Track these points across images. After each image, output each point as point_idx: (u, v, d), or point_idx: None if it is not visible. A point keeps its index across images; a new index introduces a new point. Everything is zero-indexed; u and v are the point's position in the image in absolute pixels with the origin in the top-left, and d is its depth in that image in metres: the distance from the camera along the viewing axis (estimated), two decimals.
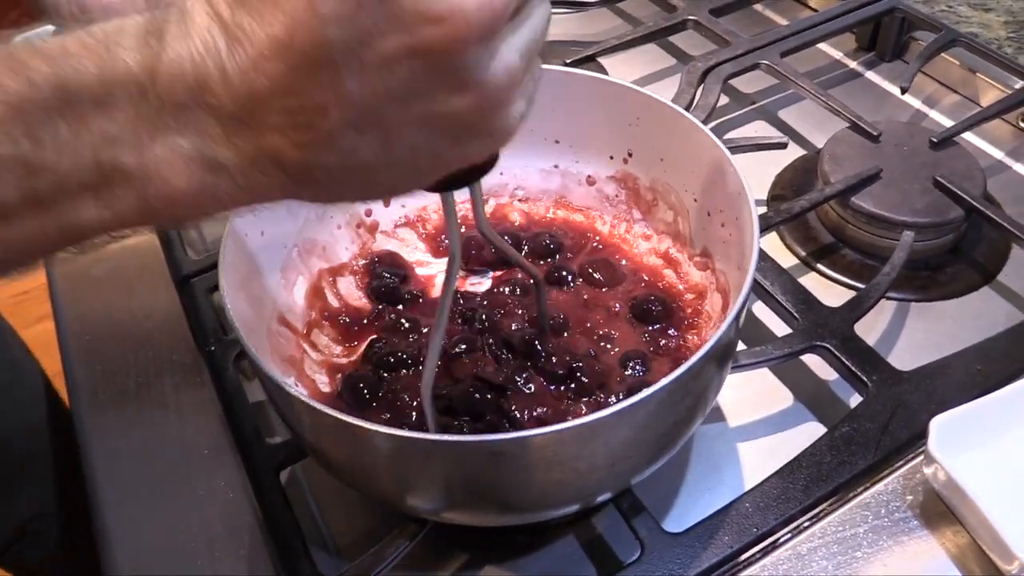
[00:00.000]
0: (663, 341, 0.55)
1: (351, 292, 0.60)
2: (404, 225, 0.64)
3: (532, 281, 0.53)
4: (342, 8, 0.27)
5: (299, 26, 0.27)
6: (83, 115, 0.29)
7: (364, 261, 0.62)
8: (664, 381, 0.40)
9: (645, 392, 0.40)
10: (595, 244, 0.63)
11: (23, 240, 0.31)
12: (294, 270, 0.58)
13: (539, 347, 0.52)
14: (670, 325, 0.56)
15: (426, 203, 0.65)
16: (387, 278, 0.60)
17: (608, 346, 0.55)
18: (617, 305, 0.57)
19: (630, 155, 0.61)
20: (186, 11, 0.29)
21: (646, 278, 0.59)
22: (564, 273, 0.59)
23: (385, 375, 0.53)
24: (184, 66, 0.29)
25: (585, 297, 0.58)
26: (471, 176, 0.38)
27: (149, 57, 0.29)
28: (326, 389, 0.54)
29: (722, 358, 0.47)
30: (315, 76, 0.28)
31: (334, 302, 0.59)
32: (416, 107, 0.29)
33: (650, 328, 0.56)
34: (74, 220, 0.31)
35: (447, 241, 0.44)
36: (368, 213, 0.63)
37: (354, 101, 0.29)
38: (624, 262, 0.61)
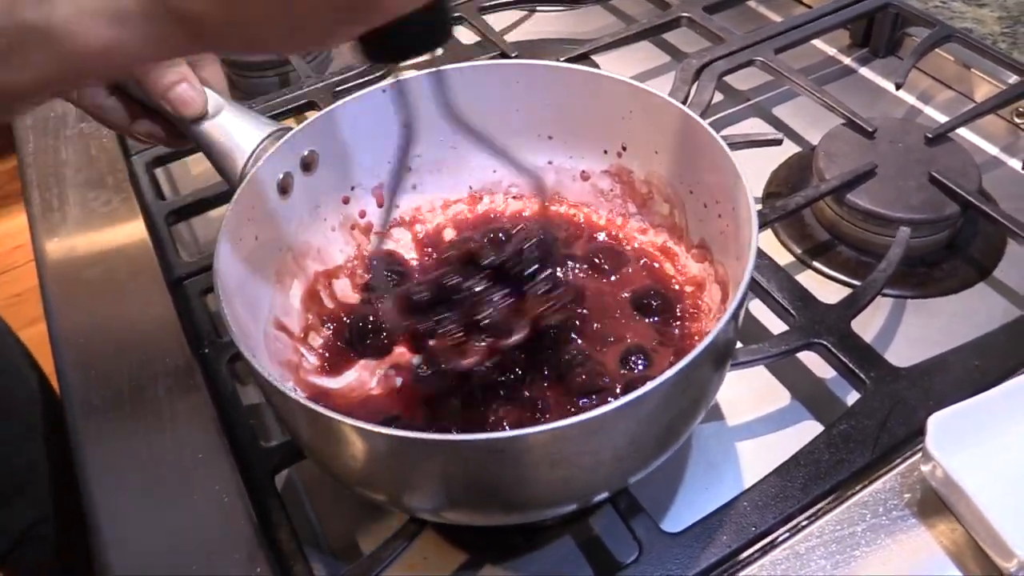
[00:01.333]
0: (666, 332, 0.55)
1: (347, 294, 0.60)
2: (398, 226, 0.64)
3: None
4: None
5: None
6: None
7: (366, 254, 0.62)
8: (667, 374, 0.40)
9: (648, 386, 0.39)
10: (593, 233, 0.63)
11: None
12: (289, 273, 0.57)
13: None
14: (671, 318, 0.56)
15: (420, 203, 0.65)
16: (386, 276, 0.59)
17: (612, 339, 0.54)
18: (625, 293, 0.57)
19: (624, 149, 0.61)
20: None
21: (651, 265, 0.59)
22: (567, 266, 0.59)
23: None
24: None
25: (589, 287, 0.58)
26: (408, 48, 0.38)
27: None
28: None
29: (723, 350, 0.47)
30: None
31: (330, 304, 0.59)
32: None
33: (651, 320, 0.55)
34: None
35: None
36: (362, 214, 0.63)
37: None
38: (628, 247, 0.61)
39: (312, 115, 0.58)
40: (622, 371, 0.52)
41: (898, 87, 0.81)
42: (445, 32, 0.38)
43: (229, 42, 0.33)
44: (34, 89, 0.32)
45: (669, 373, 0.40)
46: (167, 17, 0.31)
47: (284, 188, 0.56)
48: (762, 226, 0.67)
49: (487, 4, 0.96)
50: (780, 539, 0.48)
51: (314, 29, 0.33)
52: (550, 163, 0.64)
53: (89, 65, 0.32)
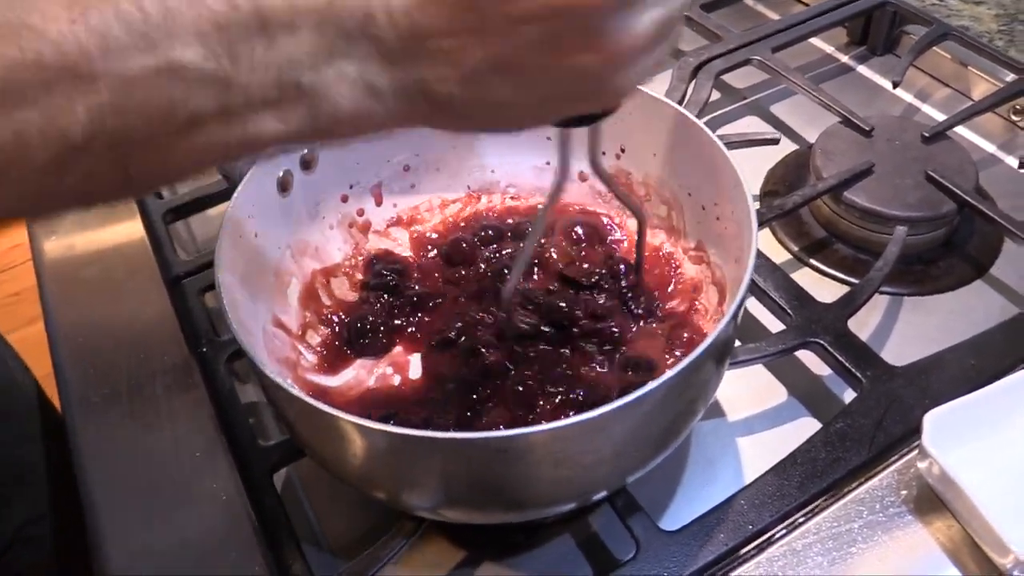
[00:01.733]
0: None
1: (344, 293, 0.60)
2: (396, 224, 0.64)
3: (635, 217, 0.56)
4: None
5: None
6: (274, 38, 0.32)
7: (362, 257, 0.62)
8: (667, 375, 0.40)
9: (648, 387, 0.40)
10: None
11: (209, 148, 0.35)
12: (288, 271, 0.57)
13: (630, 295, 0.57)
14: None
15: (418, 203, 0.65)
16: (386, 275, 0.59)
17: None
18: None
19: (623, 150, 0.61)
20: None
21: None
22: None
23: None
24: (356, 1, 0.32)
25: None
26: (591, 118, 0.42)
27: None
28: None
29: (723, 350, 0.47)
30: (464, 21, 0.32)
31: (328, 302, 0.59)
32: (548, 58, 0.33)
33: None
34: (254, 132, 0.34)
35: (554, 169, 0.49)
36: (360, 212, 0.63)
37: (493, 47, 0.32)
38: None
39: None
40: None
41: (895, 85, 0.81)
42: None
43: (470, 121, 0.37)
44: (286, 139, 0.35)
45: (669, 374, 0.40)
46: (417, 95, 0.34)
47: (284, 186, 0.56)
48: (760, 224, 0.66)
49: None
50: (777, 537, 0.48)
51: (551, 111, 0.38)
52: (548, 164, 0.64)
53: (338, 127, 0.35)
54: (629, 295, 0.57)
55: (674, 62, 0.83)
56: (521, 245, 0.60)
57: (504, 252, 0.61)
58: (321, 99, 0.34)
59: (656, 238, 0.61)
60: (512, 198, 0.65)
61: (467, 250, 0.61)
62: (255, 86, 0.33)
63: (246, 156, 0.37)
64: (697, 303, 0.56)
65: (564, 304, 0.56)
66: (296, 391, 0.41)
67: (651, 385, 0.40)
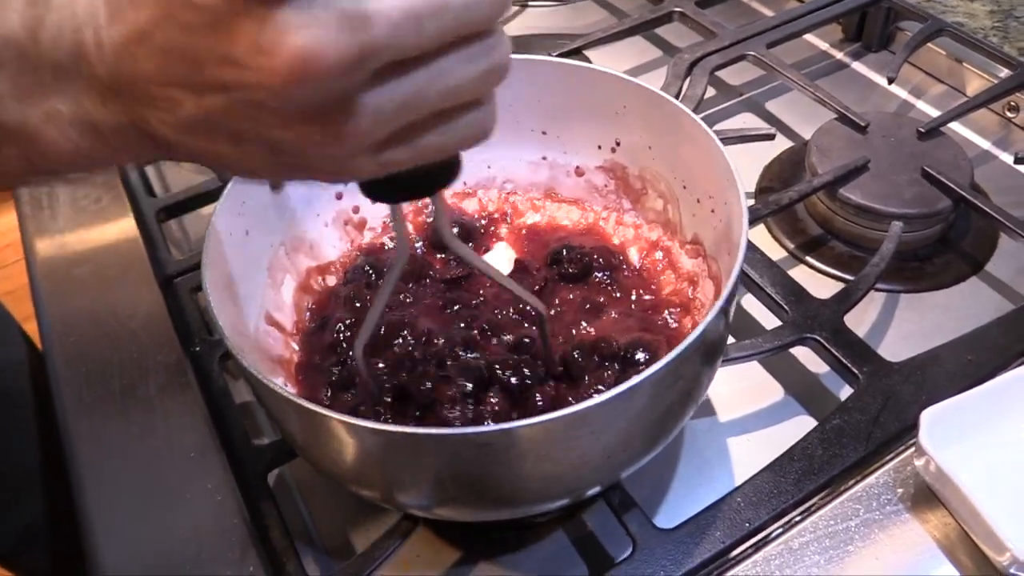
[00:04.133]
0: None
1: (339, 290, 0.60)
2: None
3: (533, 313, 0.52)
4: (189, 18, 0.28)
5: (158, 22, 0.28)
6: None
7: (356, 253, 0.62)
8: (654, 367, 0.40)
9: (634, 379, 0.39)
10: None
11: None
12: (281, 268, 0.57)
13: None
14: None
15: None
16: (366, 270, 0.59)
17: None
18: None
19: (618, 144, 0.61)
20: None
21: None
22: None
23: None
24: (64, 30, 0.30)
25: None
26: (407, 194, 0.38)
27: (32, 19, 0.30)
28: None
29: (713, 345, 0.47)
30: (175, 72, 0.29)
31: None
32: (252, 127, 0.30)
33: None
34: None
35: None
36: (355, 210, 0.62)
37: (200, 105, 0.30)
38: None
39: None
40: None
41: (890, 81, 0.81)
42: (446, 178, 0.37)
43: (201, 161, 0.34)
44: (4, 181, 0.34)
45: (657, 367, 0.40)
46: (140, 134, 0.32)
47: (276, 183, 0.56)
48: (755, 221, 0.67)
49: None
50: (774, 535, 0.48)
51: (285, 175, 0.35)
52: (544, 159, 0.64)
53: (57, 167, 0.33)
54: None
55: (669, 58, 0.82)
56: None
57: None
58: (32, 140, 0.31)
59: (653, 232, 0.61)
60: (509, 193, 0.65)
61: (420, 263, 0.60)
62: None
63: None
64: (694, 297, 0.56)
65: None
66: (282, 389, 0.41)
67: (636, 379, 0.39)
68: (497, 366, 0.50)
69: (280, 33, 0.27)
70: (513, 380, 0.49)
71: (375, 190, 0.36)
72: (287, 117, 0.30)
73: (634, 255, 0.60)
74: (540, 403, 0.49)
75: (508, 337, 0.53)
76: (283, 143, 0.31)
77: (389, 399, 0.49)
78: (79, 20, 0.30)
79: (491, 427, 0.39)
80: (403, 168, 0.33)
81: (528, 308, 0.54)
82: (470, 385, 0.49)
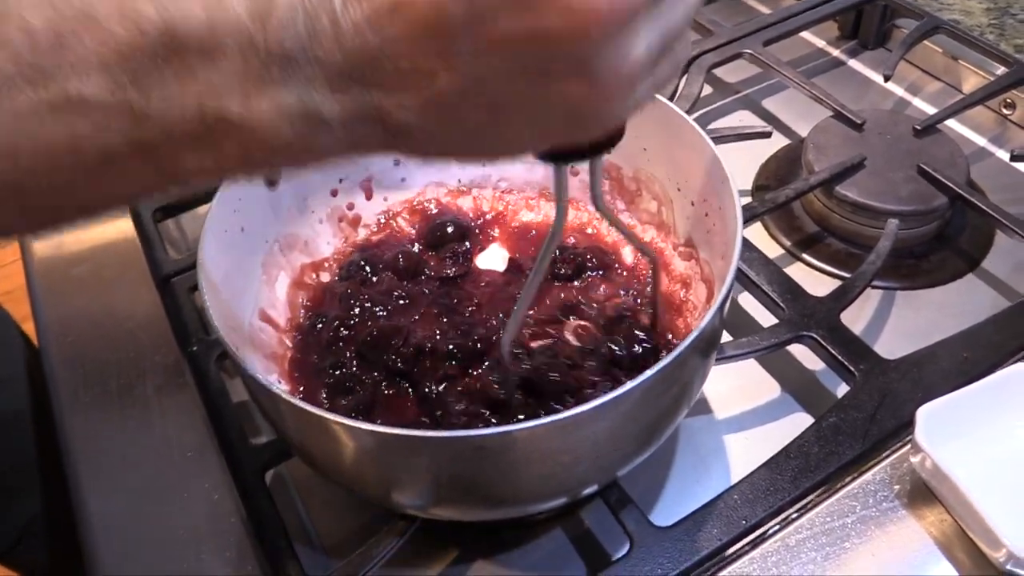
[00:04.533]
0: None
1: (334, 287, 0.60)
2: (390, 219, 0.64)
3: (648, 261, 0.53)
4: None
5: None
6: (190, 64, 0.28)
7: (351, 249, 0.62)
8: (648, 373, 0.40)
9: (628, 385, 0.39)
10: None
11: (125, 183, 0.32)
12: (275, 265, 0.57)
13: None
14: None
15: (409, 196, 0.64)
16: (361, 266, 0.59)
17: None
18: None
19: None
20: None
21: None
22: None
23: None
24: (296, 17, 0.28)
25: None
26: (587, 152, 0.36)
27: (261, 5, 0.28)
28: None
29: (706, 348, 0.47)
30: (429, 42, 0.27)
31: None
32: (528, 87, 0.29)
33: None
34: (176, 167, 0.31)
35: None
36: (350, 207, 0.62)
37: (465, 72, 0.28)
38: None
39: None
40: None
41: (886, 79, 0.81)
42: (620, 133, 0.36)
43: (436, 151, 0.32)
44: (215, 173, 0.32)
45: (652, 370, 0.40)
46: (371, 123, 0.30)
47: (271, 180, 0.56)
48: (752, 219, 0.67)
49: None
50: (771, 532, 0.48)
51: (532, 143, 0.33)
52: None
53: (277, 160, 0.32)
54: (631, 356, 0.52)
55: None
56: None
57: (459, 252, 0.61)
58: (253, 132, 0.30)
59: (647, 234, 0.61)
60: (504, 192, 0.65)
61: (416, 261, 0.60)
62: (172, 119, 0.29)
63: (171, 190, 0.33)
64: (687, 299, 0.56)
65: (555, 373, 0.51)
66: (279, 390, 0.41)
67: (630, 384, 0.39)
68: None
69: None
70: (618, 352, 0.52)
71: (562, 153, 0.35)
72: (582, 65, 0.28)
73: (627, 255, 0.60)
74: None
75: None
76: (559, 101, 0.29)
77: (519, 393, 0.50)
78: (312, 6, 0.28)
79: (486, 430, 0.39)
80: (648, 102, 0.32)
81: None
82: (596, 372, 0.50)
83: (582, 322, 0.54)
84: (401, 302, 0.57)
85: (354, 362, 0.53)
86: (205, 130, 0.30)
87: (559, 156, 0.36)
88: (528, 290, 0.45)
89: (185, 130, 0.30)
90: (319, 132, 0.30)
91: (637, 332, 0.53)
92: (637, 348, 0.52)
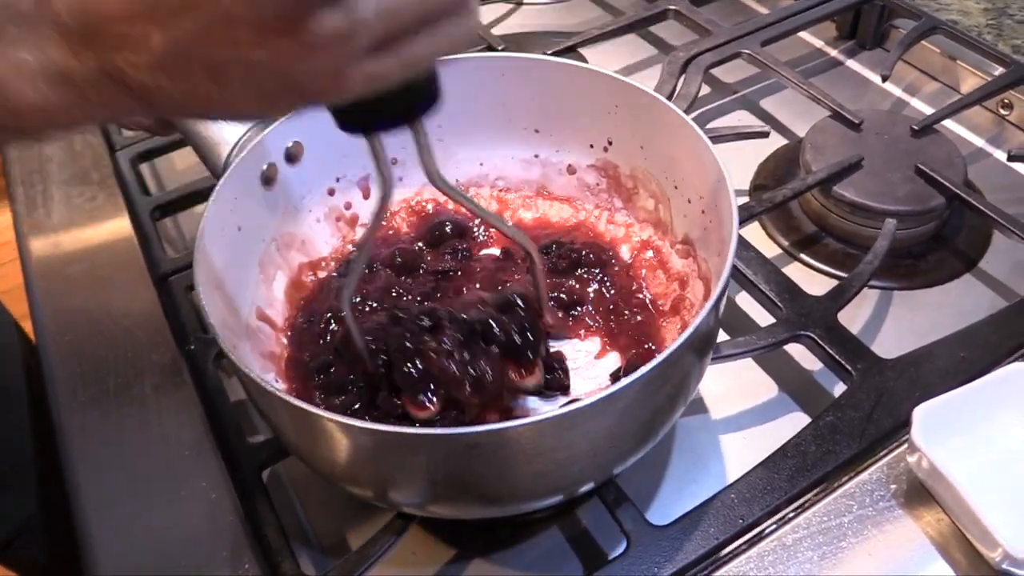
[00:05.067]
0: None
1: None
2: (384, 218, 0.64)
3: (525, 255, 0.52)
4: None
5: None
6: None
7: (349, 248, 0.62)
8: (643, 370, 0.40)
9: (623, 382, 0.39)
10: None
11: None
12: (273, 265, 0.57)
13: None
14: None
15: (407, 195, 0.64)
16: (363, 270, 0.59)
17: None
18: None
19: (610, 143, 0.61)
20: None
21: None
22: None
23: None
24: None
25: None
26: (387, 120, 0.37)
27: None
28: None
29: (702, 346, 0.47)
30: (135, 3, 0.29)
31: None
32: (225, 51, 0.29)
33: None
34: None
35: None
36: (347, 206, 0.62)
37: (174, 34, 0.29)
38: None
39: None
40: None
41: (884, 79, 0.81)
42: (427, 102, 0.37)
43: (173, 109, 0.33)
44: None
45: (647, 367, 0.40)
46: (112, 83, 0.31)
47: (268, 179, 0.56)
48: (749, 218, 0.67)
49: None
50: (767, 531, 0.48)
51: (246, 105, 0.33)
52: (536, 157, 0.64)
53: (29, 122, 0.32)
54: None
55: (664, 56, 0.82)
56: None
57: (459, 248, 0.61)
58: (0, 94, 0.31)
59: (644, 231, 0.61)
60: (501, 191, 0.65)
61: (413, 256, 0.60)
62: None
63: None
64: (684, 296, 0.56)
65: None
66: (274, 388, 0.41)
67: (625, 381, 0.39)
68: (491, 320, 0.50)
69: None
70: (504, 335, 0.50)
71: (354, 119, 0.36)
72: (262, 31, 0.29)
73: (625, 252, 0.60)
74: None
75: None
76: (263, 64, 0.30)
77: (382, 361, 0.49)
78: None
79: (480, 428, 0.39)
80: (391, 80, 0.32)
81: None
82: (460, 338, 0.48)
83: (483, 295, 0.53)
84: (404, 298, 0.57)
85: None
86: None
87: (355, 127, 0.36)
88: (364, 250, 0.46)
89: None
90: (67, 92, 0.31)
91: (519, 322, 0.51)
92: (514, 337, 0.50)
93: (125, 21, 0.29)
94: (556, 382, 0.52)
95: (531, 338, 0.50)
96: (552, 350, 0.54)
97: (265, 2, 0.28)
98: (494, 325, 0.50)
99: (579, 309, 0.57)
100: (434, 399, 0.47)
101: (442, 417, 0.48)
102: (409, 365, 0.47)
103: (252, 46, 0.29)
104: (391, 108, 0.35)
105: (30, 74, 0.30)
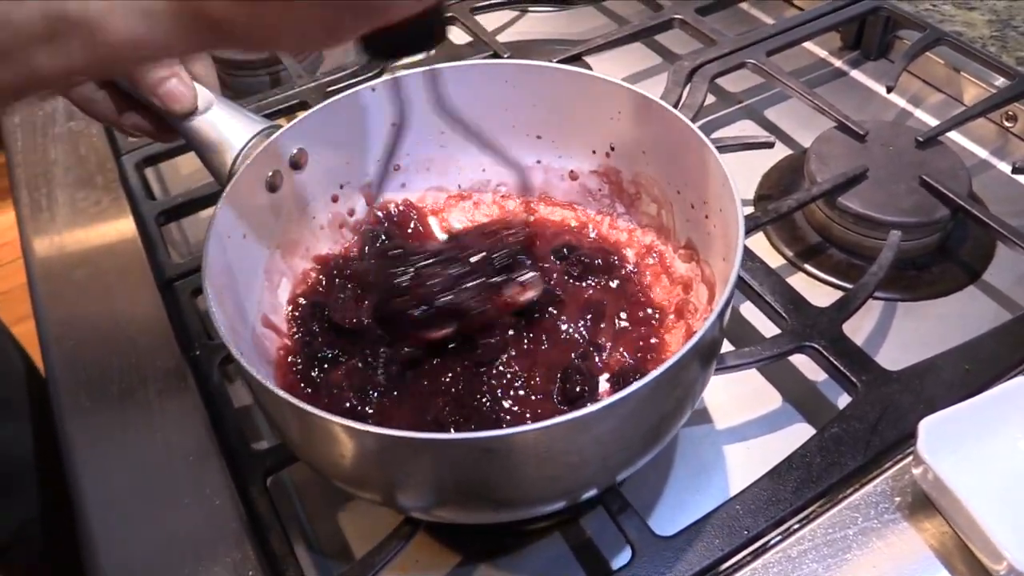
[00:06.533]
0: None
1: None
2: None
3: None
4: None
5: None
6: None
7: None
8: (653, 374, 0.40)
9: (633, 386, 0.40)
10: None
11: None
12: (277, 271, 0.57)
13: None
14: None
15: (407, 196, 0.64)
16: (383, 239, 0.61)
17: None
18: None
19: (612, 149, 0.61)
20: None
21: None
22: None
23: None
24: None
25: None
26: (405, 47, 0.43)
27: None
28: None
29: (709, 351, 0.47)
30: None
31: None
32: None
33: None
34: (30, 69, 0.34)
35: None
36: (351, 212, 0.62)
37: None
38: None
39: (302, 114, 0.57)
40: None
41: (889, 90, 0.81)
42: (440, 34, 0.42)
43: (250, 41, 0.36)
44: (65, 75, 0.36)
45: (656, 372, 0.40)
46: (193, 16, 0.34)
47: (273, 186, 0.56)
48: (754, 229, 0.67)
49: (479, 4, 0.96)
50: (772, 542, 0.48)
51: (325, 29, 0.36)
52: (539, 162, 0.64)
53: (119, 55, 0.35)
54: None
55: (669, 65, 0.83)
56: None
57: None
58: (94, 29, 0.34)
59: (647, 236, 0.61)
60: (503, 196, 0.65)
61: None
62: (20, 21, 0.33)
63: (32, 95, 0.37)
64: (688, 301, 0.56)
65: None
66: (284, 394, 0.41)
67: (636, 385, 0.40)
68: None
69: None
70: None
71: (379, 46, 0.41)
72: None
73: (630, 257, 0.61)
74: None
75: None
76: None
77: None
78: None
79: (492, 432, 0.39)
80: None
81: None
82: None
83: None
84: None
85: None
86: (49, 30, 0.33)
87: (377, 51, 0.42)
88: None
89: (32, 32, 0.33)
90: (151, 27, 0.34)
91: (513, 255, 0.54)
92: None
93: None
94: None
95: (522, 257, 0.54)
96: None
97: None
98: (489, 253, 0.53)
99: (602, 325, 0.57)
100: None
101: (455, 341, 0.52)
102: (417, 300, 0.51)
103: None
104: (410, 38, 0.41)
105: (123, 9, 0.33)
